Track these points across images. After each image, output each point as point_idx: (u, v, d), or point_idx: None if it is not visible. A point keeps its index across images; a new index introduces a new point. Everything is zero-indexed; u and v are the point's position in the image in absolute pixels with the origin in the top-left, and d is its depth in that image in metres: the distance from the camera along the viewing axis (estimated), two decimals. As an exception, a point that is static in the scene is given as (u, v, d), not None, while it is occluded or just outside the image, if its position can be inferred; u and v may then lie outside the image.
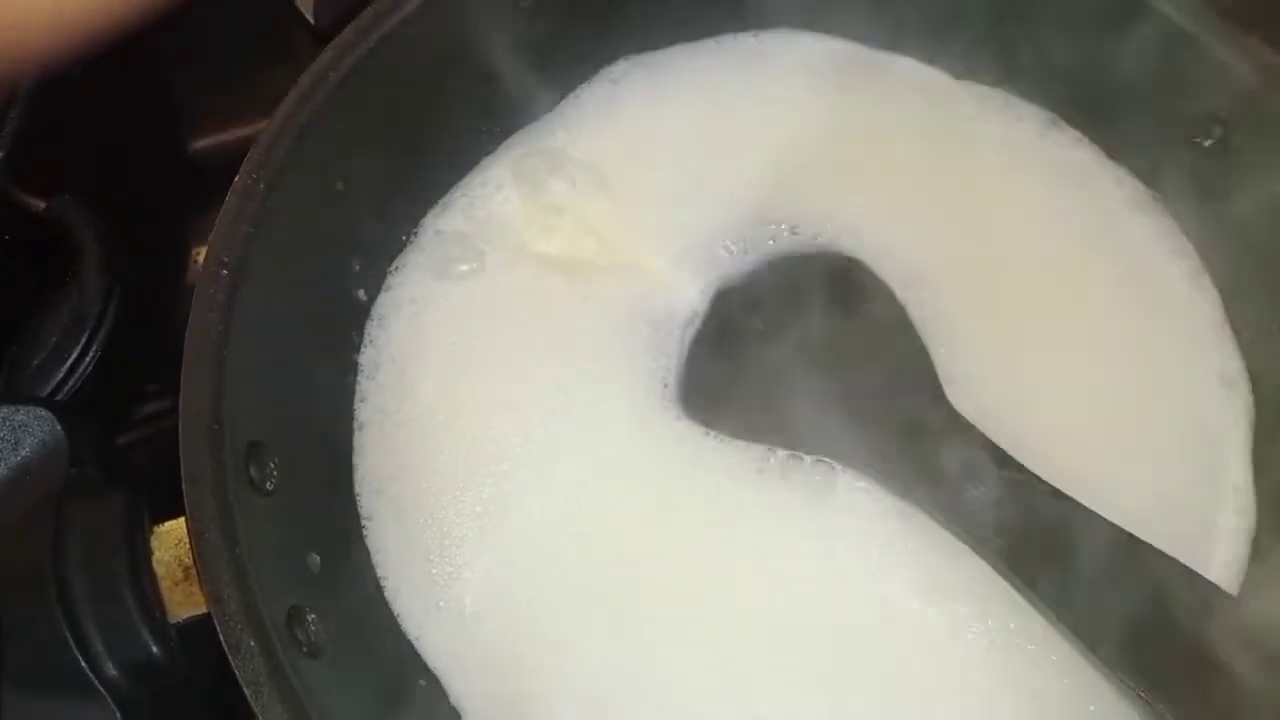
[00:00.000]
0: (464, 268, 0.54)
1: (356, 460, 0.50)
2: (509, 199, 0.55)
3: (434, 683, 0.47)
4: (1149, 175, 0.55)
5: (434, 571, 0.48)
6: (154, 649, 0.40)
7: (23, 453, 0.41)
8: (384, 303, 0.53)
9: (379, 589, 0.48)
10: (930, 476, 0.46)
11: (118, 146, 0.63)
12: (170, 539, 0.42)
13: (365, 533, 0.49)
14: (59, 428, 0.42)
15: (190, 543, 0.40)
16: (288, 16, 0.71)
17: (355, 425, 0.51)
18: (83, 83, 0.60)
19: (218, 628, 0.39)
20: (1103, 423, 0.50)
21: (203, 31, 0.72)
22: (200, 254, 0.67)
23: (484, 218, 0.55)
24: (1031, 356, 0.51)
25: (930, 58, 0.59)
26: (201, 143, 0.72)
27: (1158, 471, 0.49)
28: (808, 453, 0.49)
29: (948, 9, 0.57)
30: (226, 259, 0.45)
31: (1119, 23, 0.52)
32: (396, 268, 0.54)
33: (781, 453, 0.49)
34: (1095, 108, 0.56)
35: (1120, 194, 0.55)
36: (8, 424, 0.42)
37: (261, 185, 0.46)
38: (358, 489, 0.49)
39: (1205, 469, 0.50)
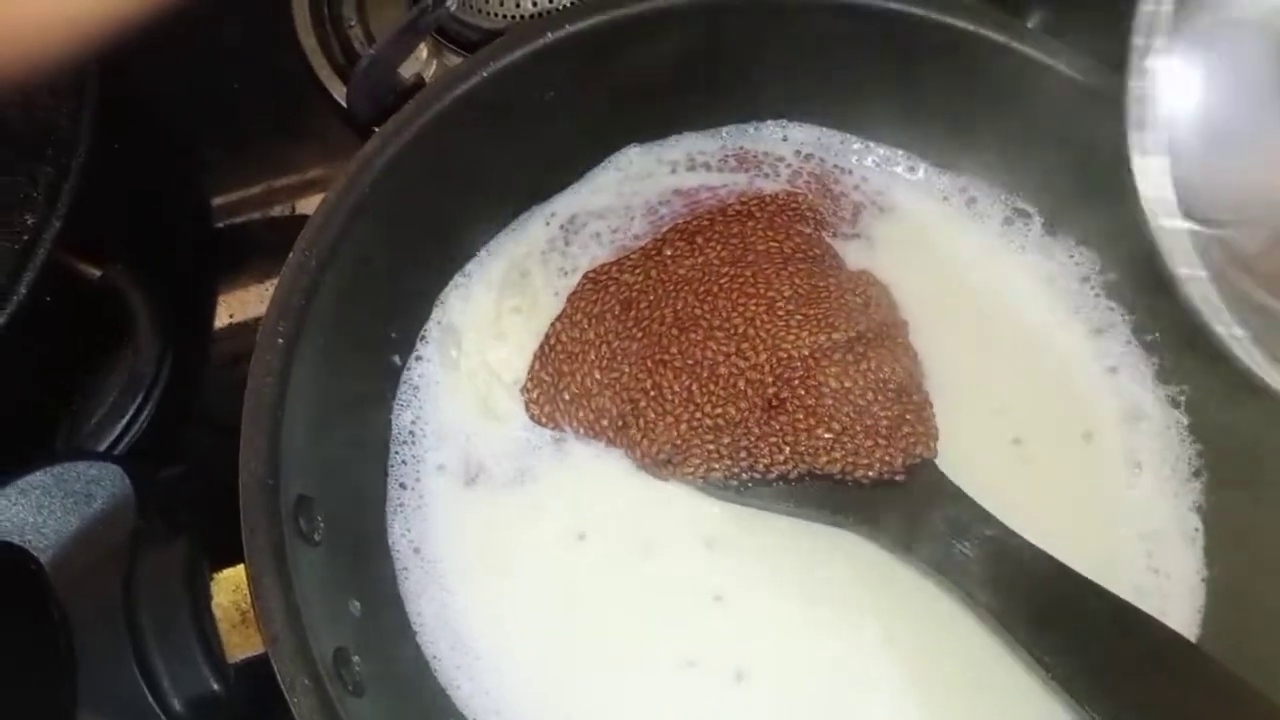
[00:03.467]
0: (453, 353, 0.59)
1: (391, 516, 0.54)
2: (484, 298, 0.60)
3: (469, 722, 0.50)
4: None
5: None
6: (214, 685, 0.44)
7: (96, 504, 0.45)
8: (415, 368, 0.58)
9: (413, 634, 0.52)
10: (923, 533, 0.51)
11: (155, 215, 0.68)
12: (229, 585, 0.46)
13: (401, 583, 0.52)
14: (128, 480, 0.46)
15: (249, 588, 0.44)
16: (315, 97, 0.76)
17: (391, 482, 0.55)
18: (124, 155, 0.65)
19: (275, 666, 0.43)
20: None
21: (233, 111, 0.78)
22: (228, 309, 0.72)
23: (463, 312, 0.60)
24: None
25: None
26: (229, 217, 0.76)
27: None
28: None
29: (925, 112, 0.62)
30: (282, 328, 0.49)
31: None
32: (423, 337, 0.59)
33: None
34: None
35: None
36: (81, 478, 0.45)
37: (313, 261, 0.51)
38: (393, 542, 0.53)
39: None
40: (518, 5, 0.75)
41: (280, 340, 0.49)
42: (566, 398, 0.56)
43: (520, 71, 0.56)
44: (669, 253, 0.59)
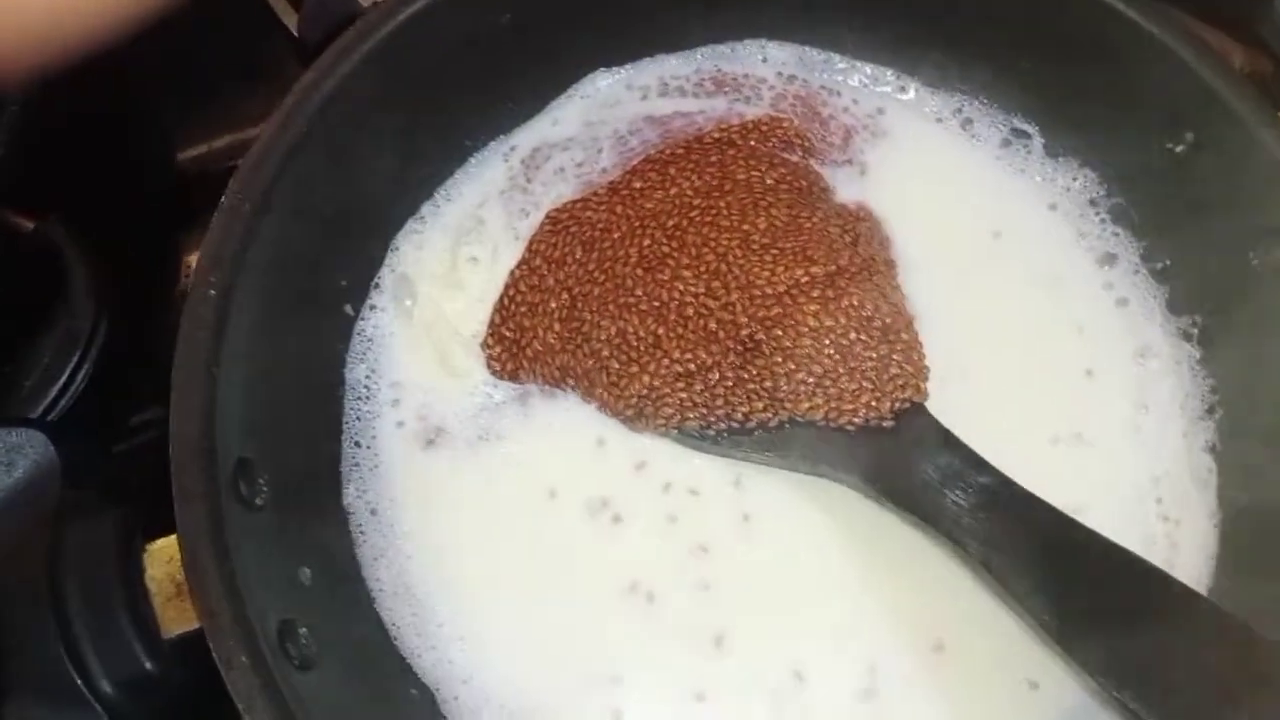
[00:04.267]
0: (408, 303, 0.54)
1: (346, 476, 0.51)
2: (439, 245, 0.56)
3: (426, 693, 0.47)
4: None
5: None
6: (147, 664, 0.41)
7: (17, 474, 0.42)
8: (369, 319, 0.54)
9: (370, 602, 0.49)
10: (914, 483, 0.47)
11: (104, 164, 0.64)
12: (162, 556, 0.43)
13: (357, 547, 0.49)
14: (52, 448, 0.43)
15: (182, 559, 0.41)
16: (270, 29, 0.72)
17: (345, 440, 0.51)
18: (67, 101, 0.61)
19: (210, 643, 0.40)
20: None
21: (186, 45, 0.73)
22: (191, 265, 0.69)
23: (417, 261, 0.55)
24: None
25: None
26: (187, 156, 0.72)
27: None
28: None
29: (911, 24, 0.58)
30: (214, 279, 0.46)
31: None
32: (378, 284, 0.55)
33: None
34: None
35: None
36: (1, 445, 0.42)
37: (247, 205, 0.47)
38: (348, 504, 0.50)
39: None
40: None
41: (212, 292, 0.46)
42: (529, 354, 0.52)
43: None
44: (638, 185, 0.55)
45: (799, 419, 0.50)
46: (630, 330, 0.52)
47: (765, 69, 0.59)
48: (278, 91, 0.72)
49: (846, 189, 0.57)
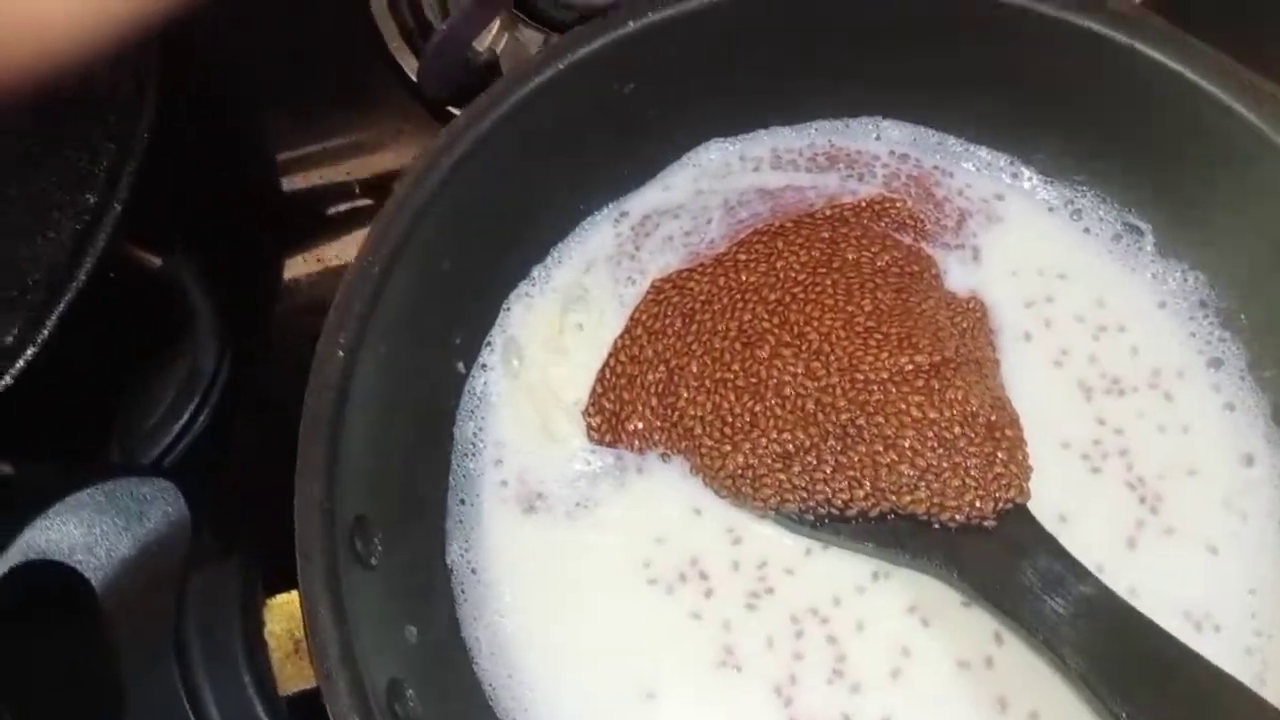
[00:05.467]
0: (515, 363, 0.55)
1: (450, 532, 0.52)
2: (547, 310, 0.57)
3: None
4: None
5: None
6: (265, 719, 0.42)
7: (149, 524, 0.44)
8: (479, 377, 0.55)
9: (470, 661, 0.50)
10: (1013, 585, 0.47)
11: (218, 196, 0.66)
12: (282, 612, 0.44)
13: (458, 606, 0.51)
14: (183, 500, 0.44)
15: (303, 620, 0.42)
16: (375, 60, 0.73)
17: (451, 497, 0.53)
18: (190, 135, 0.63)
19: (326, 705, 0.41)
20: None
21: (295, 71, 0.75)
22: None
23: (525, 324, 0.56)
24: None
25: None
26: (294, 190, 0.74)
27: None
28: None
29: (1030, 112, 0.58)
30: (343, 340, 0.47)
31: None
32: (489, 342, 0.56)
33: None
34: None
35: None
36: (134, 495, 0.44)
37: (376, 268, 0.48)
38: (452, 562, 0.51)
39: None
40: (594, -24, 0.71)
41: (340, 352, 0.47)
42: (628, 428, 0.53)
43: (600, 63, 0.53)
44: (742, 257, 0.55)
45: (900, 510, 0.50)
46: (726, 407, 0.52)
47: (879, 146, 0.60)
48: (379, 120, 0.75)
49: (957, 273, 0.57)
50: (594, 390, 0.54)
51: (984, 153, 0.59)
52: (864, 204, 0.57)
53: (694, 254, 0.57)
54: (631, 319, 0.56)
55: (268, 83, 0.74)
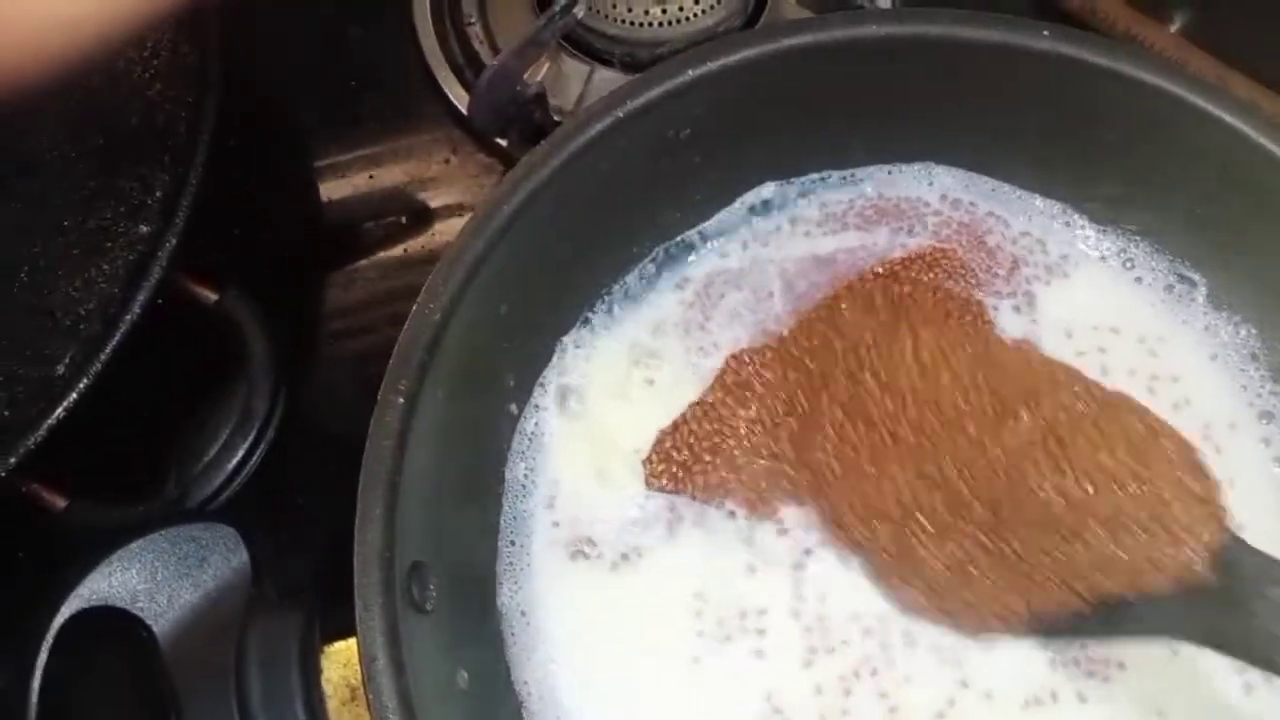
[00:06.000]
0: (573, 405, 0.56)
1: (501, 574, 0.52)
2: (612, 360, 0.57)
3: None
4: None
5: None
6: (323, 767, 0.43)
7: (209, 570, 0.44)
8: (531, 418, 0.55)
9: (520, 706, 0.50)
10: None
11: (269, 233, 0.66)
12: (339, 659, 0.45)
13: (508, 649, 0.51)
14: (243, 547, 0.44)
15: (361, 670, 0.43)
16: (432, 97, 0.74)
17: (502, 539, 0.53)
18: (241, 169, 0.63)
19: (384, 758, 0.41)
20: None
21: (345, 112, 0.75)
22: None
23: (585, 373, 0.57)
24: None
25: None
26: (340, 219, 0.74)
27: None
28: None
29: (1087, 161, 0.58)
30: (403, 386, 0.47)
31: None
32: (542, 383, 0.56)
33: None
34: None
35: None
36: (195, 541, 0.44)
37: (437, 315, 0.48)
38: (502, 605, 0.52)
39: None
40: (646, 12, 0.72)
41: (401, 400, 0.47)
42: (701, 482, 0.53)
43: (658, 110, 0.53)
44: (804, 343, 0.55)
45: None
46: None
47: (929, 193, 0.60)
48: (427, 152, 0.75)
49: (1009, 321, 0.57)
50: (661, 441, 0.54)
51: (1038, 200, 0.59)
52: (913, 258, 0.57)
53: (763, 330, 0.57)
54: (713, 389, 0.55)
55: (315, 114, 0.74)
